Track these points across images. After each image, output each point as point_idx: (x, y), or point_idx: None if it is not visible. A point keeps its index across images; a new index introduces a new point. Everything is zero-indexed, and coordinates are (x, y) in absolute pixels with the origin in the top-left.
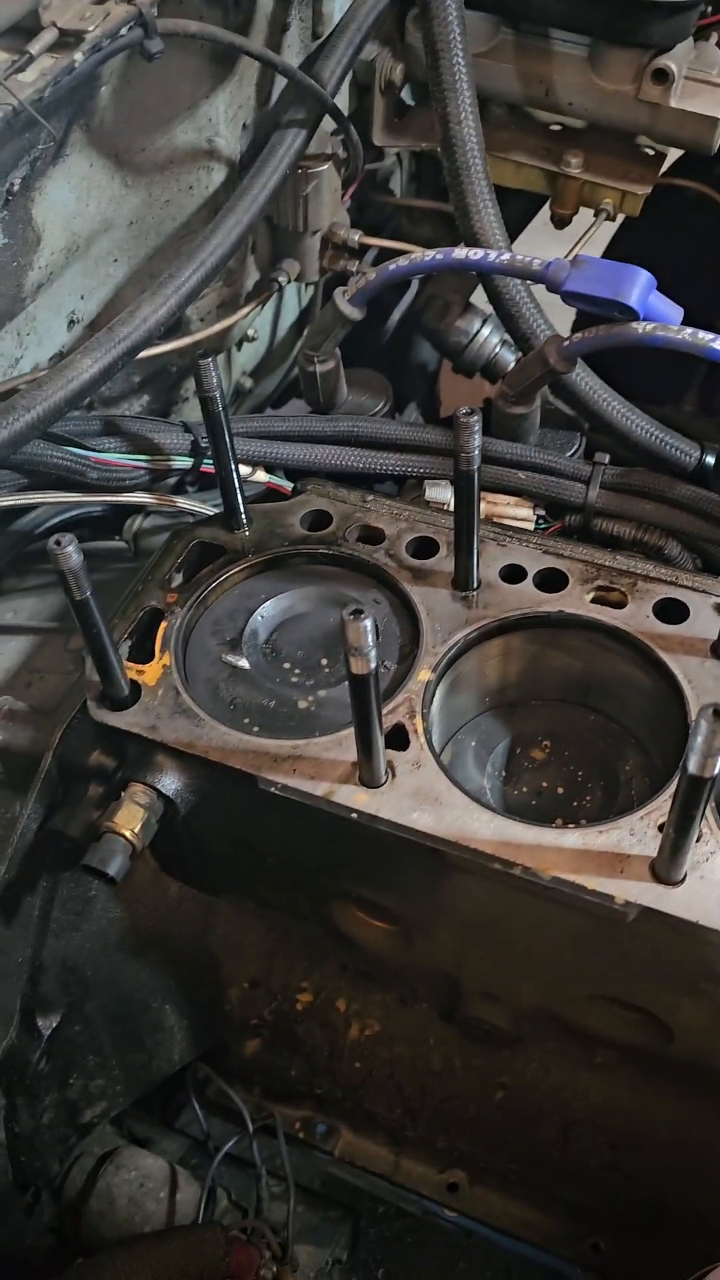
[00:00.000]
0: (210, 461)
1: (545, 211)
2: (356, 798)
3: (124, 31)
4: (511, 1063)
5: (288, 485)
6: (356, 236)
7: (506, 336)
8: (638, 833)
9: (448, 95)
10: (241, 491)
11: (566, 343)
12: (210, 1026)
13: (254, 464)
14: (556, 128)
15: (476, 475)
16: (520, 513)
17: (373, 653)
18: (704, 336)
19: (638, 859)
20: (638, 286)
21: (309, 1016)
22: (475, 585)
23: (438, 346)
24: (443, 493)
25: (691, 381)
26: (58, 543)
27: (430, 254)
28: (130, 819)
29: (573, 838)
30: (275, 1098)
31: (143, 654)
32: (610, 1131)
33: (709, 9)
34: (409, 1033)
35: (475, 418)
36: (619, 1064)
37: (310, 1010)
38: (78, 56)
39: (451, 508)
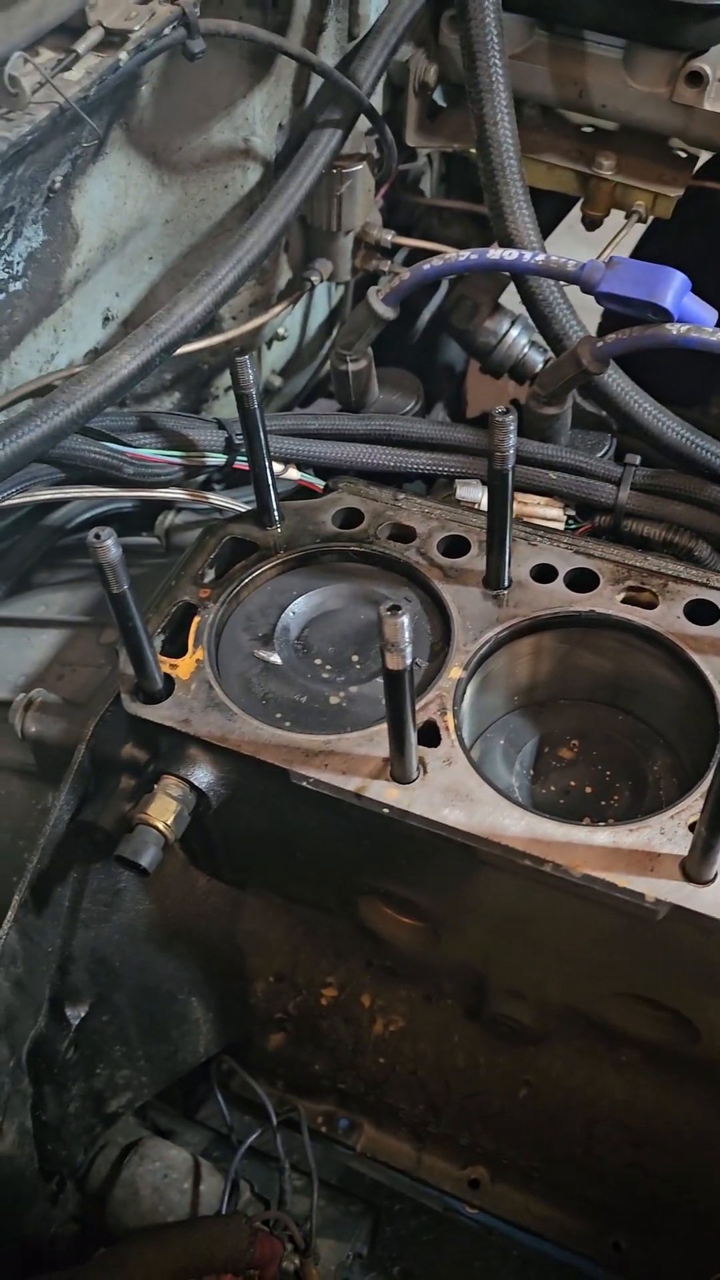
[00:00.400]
0: (243, 458)
1: (573, 212)
2: (388, 793)
3: (167, 31)
4: (536, 1060)
5: (319, 483)
6: (389, 236)
7: (535, 338)
8: (668, 832)
9: (484, 96)
10: (274, 489)
11: (600, 344)
12: (235, 1019)
13: (286, 461)
14: (589, 129)
15: (510, 475)
16: (551, 513)
17: (409, 649)
18: None
19: (668, 858)
20: (672, 288)
21: (334, 1011)
22: (506, 584)
23: (466, 347)
24: (473, 492)
25: None
26: (97, 536)
27: (465, 254)
28: (163, 811)
29: (603, 836)
30: (298, 1091)
31: (176, 648)
32: (633, 1130)
33: None
34: (433, 1029)
35: (511, 417)
36: (644, 1063)
37: (335, 1005)
38: (123, 55)
39: (482, 507)
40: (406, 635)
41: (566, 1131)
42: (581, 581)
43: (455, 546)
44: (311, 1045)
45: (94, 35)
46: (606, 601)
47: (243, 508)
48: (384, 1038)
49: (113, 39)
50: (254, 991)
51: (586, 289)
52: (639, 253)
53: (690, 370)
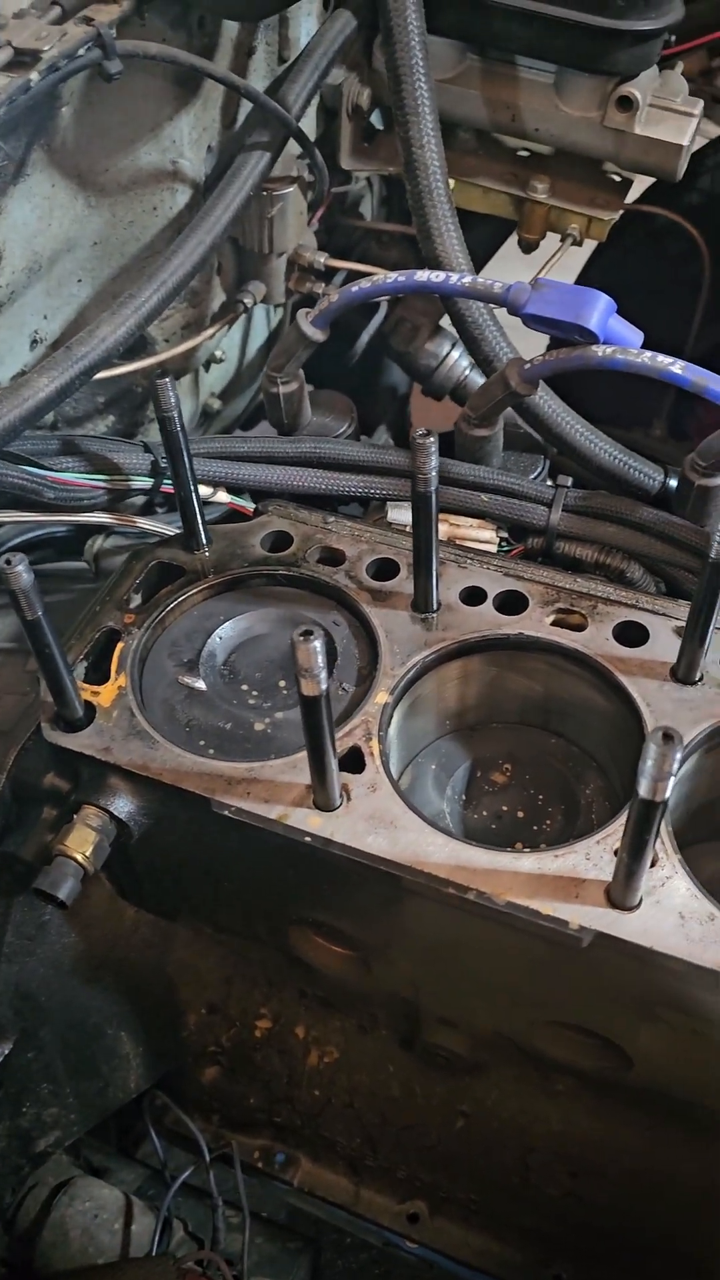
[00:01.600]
0: (170, 482)
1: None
2: (310, 821)
3: (82, 52)
4: (471, 1090)
5: (250, 506)
6: (323, 259)
7: None
8: (594, 857)
9: (410, 119)
10: (201, 512)
11: (528, 365)
12: (167, 1053)
13: (215, 485)
14: (524, 153)
15: (434, 496)
16: (483, 535)
17: (323, 674)
18: (663, 360)
19: (593, 884)
20: (597, 310)
21: (267, 1043)
22: (435, 607)
23: (407, 369)
24: (406, 514)
25: (661, 407)
26: (9, 562)
27: (393, 276)
28: (82, 842)
29: (528, 862)
30: (233, 1126)
31: (99, 675)
32: (571, 1159)
33: (673, 38)
34: (368, 1060)
35: (431, 439)
36: (579, 1091)
37: (269, 1037)
38: (34, 76)
39: None
40: (320, 660)
41: (503, 1162)
42: (511, 604)
43: (385, 569)
44: (246, 1078)
45: (3, 56)
46: (536, 624)
47: (171, 531)
48: (319, 1069)
49: (23, 59)
50: (186, 1024)
51: (513, 311)
52: (582, 278)
53: (633, 393)
